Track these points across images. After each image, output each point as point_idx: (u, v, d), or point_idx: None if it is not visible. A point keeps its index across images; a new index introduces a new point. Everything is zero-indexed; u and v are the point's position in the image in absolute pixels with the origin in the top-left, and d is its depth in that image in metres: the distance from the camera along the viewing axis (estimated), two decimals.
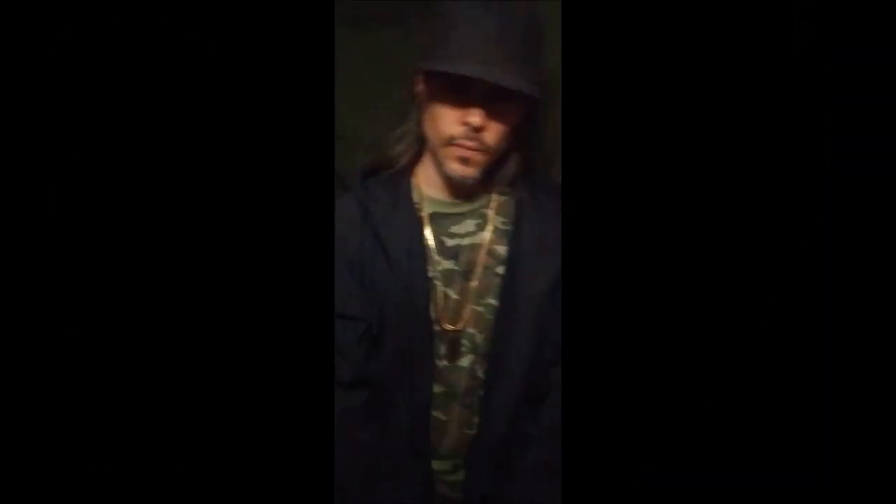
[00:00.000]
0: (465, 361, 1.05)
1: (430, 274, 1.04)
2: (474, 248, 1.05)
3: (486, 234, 1.05)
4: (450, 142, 1.00)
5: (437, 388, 1.04)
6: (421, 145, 1.07)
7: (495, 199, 1.07)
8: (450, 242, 1.05)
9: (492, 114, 0.98)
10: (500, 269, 1.05)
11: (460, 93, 0.97)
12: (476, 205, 1.07)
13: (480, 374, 1.05)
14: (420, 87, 1.02)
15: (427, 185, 1.07)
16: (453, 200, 1.07)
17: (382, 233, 1.04)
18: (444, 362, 1.05)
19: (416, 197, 1.07)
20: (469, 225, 1.06)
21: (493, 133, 1.00)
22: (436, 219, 1.06)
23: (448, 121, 0.99)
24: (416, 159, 1.08)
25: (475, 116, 0.97)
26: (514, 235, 1.05)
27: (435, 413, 1.05)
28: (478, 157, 1.00)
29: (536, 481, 1.06)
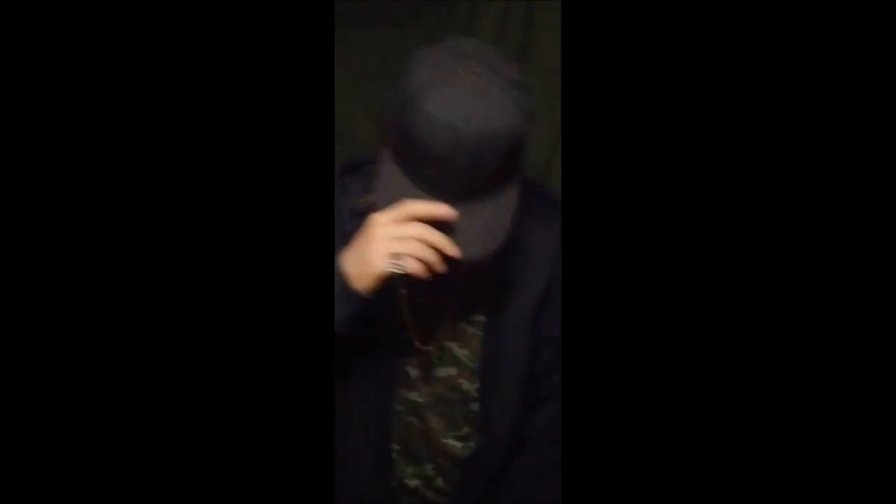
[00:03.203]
0: (441, 373, 1.03)
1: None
2: None
3: None
4: None
5: (409, 396, 1.03)
6: None
7: None
8: None
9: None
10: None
11: None
12: None
13: (467, 387, 1.03)
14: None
15: None
16: None
17: (346, 225, 0.98)
18: (417, 371, 1.03)
19: None
20: None
21: None
22: None
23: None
24: None
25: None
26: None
27: (409, 419, 1.04)
28: None
29: (534, 485, 1.06)
